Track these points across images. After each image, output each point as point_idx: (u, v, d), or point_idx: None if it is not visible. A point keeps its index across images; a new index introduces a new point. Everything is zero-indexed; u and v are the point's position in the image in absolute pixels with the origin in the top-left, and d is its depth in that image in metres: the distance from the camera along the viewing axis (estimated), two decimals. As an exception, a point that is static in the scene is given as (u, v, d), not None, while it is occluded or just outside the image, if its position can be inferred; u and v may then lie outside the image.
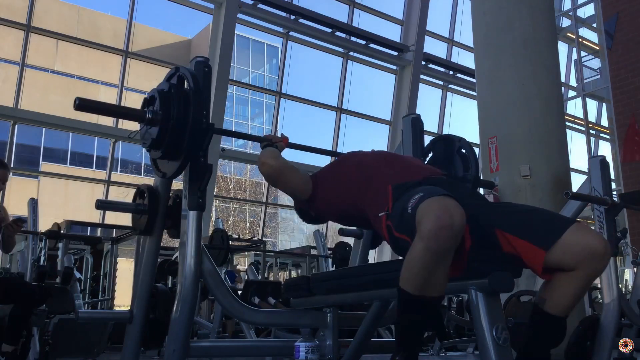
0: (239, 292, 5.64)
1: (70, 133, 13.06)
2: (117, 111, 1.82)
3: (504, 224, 1.62)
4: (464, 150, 2.41)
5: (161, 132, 1.69)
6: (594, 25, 12.36)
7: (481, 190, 4.66)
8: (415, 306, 1.48)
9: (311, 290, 1.97)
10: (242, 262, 10.01)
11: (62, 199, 15.12)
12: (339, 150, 10.68)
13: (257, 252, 8.09)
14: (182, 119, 1.68)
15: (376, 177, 1.83)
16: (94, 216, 9.51)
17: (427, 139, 2.58)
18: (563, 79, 11.93)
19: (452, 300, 6.35)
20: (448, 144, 2.47)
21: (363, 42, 10.75)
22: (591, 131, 12.68)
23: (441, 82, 12.24)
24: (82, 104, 1.58)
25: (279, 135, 2.15)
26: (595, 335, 2.79)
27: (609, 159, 3.75)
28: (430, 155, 2.52)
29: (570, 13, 12.74)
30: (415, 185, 1.70)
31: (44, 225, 5.16)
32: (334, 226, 10.49)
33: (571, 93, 13.35)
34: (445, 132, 12.15)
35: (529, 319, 1.67)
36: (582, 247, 1.51)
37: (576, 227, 1.56)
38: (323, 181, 1.97)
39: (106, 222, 8.85)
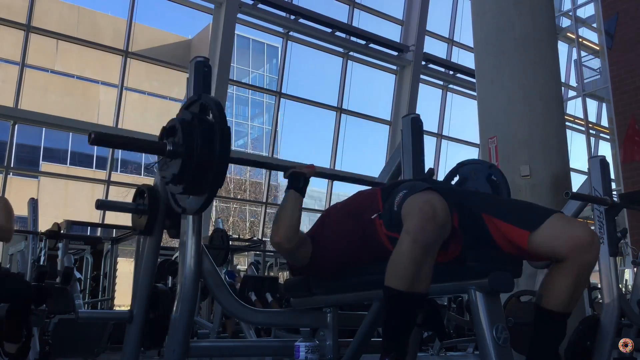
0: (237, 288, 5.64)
1: (70, 133, 13.07)
2: (135, 144, 1.64)
3: (490, 208, 1.66)
4: (494, 178, 2.27)
5: (184, 166, 1.55)
6: (594, 25, 12.36)
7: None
8: (405, 303, 1.48)
9: (311, 290, 1.96)
10: (242, 262, 10.01)
11: (62, 199, 15.12)
12: (339, 150, 10.71)
13: (257, 252, 8.09)
14: (207, 152, 1.55)
15: (363, 197, 1.87)
16: (94, 216, 9.51)
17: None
18: (563, 79, 11.94)
19: (452, 300, 6.34)
20: (477, 170, 2.33)
21: (363, 42, 10.75)
22: (591, 131, 12.68)
23: (441, 82, 12.24)
24: (98, 138, 1.46)
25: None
26: (595, 335, 2.79)
27: (609, 159, 3.75)
28: (456, 179, 2.38)
29: (570, 13, 12.74)
30: (399, 184, 1.75)
31: (44, 225, 5.16)
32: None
33: (571, 93, 13.36)
34: (445, 132, 12.16)
35: (533, 318, 1.68)
36: (568, 235, 1.54)
37: (561, 215, 1.61)
38: (319, 237, 1.88)
39: (106, 222, 8.84)
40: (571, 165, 5.02)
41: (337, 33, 10.43)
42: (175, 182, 1.60)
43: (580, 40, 12.50)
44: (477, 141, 5.07)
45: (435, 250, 1.45)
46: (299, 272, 2.00)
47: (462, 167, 2.40)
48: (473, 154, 12.57)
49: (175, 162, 1.58)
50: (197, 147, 1.55)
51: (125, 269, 7.14)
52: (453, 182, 2.41)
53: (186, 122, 1.58)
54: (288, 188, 1.91)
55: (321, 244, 1.86)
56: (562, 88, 7.53)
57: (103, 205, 2.03)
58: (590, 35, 13.41)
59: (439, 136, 11.99)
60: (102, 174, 10.08)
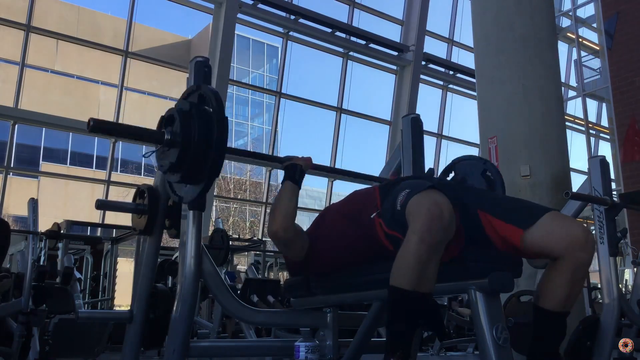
0: (238, 291, 5.65)
1: (70, 133, 13.07)
2: (133, 132, 1.65)
3: (486, 205, 1.67)
4: (489, 173, 2.26)
5: (181, 155, 1.56)
6: (594, 25, 12.36)
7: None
8: (409, 303, 1.48)
9: (311, 290, 1.96)
10: (242, 262, 10.01)
11: (62, 199, 15.12)
12: (339, 150, 10.70)
13: (257, 252, 8.09)
14: (204, 142, 1.55)
15: (360, 196, 1.86)
16: (94, 216, 9.52)
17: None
18: (563, 79, 11.94)
19: (452, 300, 6.35)
20: (472, 165, 2.33)
21: (363, 42, 10.76)
22: (591, 131, 12.69)
23: (441, 82, 12.24)
24: (97, 126, 1.46)
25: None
26: (595, 335, 2.79)
27: (609, 159, 3.75)
28: (452, 176, 2.37)
29: (570, 13, 12.74)
30: (398, 182, 1.74)
31: (44, 225, 5.15)
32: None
33: (571, 93, 13.36)
34: (445, 132, 12.17)
35: (533, 319, 1.68)
36: (563, 234, 1.54)
37: (555, 213, 1.61)
38: (316, 237, 1.87)
39: (106, 222, 8.84)
40: (571, 165, 5.02)
41: (337, 33, 10.43)
42: (173, 170, 1.62)
43: (580, 40, 12.50)
44: (477, 141, 5.07)
45: (441, 250, 1.45)
46: (297, 272, 1.99)
47: (457, 164, 2.40)
48: (473, 154, 12.58)
49: (172, 151, 1.59)
50: (194, 137, 1.56)
51: (125, 269, 7.15)
52: (448, 179, 2.42)
53: (184, 112, 1.59)
54: (284, 179, 1.92)
55: (319, 245, 1.86)
56: (562, 88, 7.53)
57: (103, 205, 2.03)
58: (590, 35, 13.42)
59: (439, 136, 11.99)
60: (102, 174, 10.08)
